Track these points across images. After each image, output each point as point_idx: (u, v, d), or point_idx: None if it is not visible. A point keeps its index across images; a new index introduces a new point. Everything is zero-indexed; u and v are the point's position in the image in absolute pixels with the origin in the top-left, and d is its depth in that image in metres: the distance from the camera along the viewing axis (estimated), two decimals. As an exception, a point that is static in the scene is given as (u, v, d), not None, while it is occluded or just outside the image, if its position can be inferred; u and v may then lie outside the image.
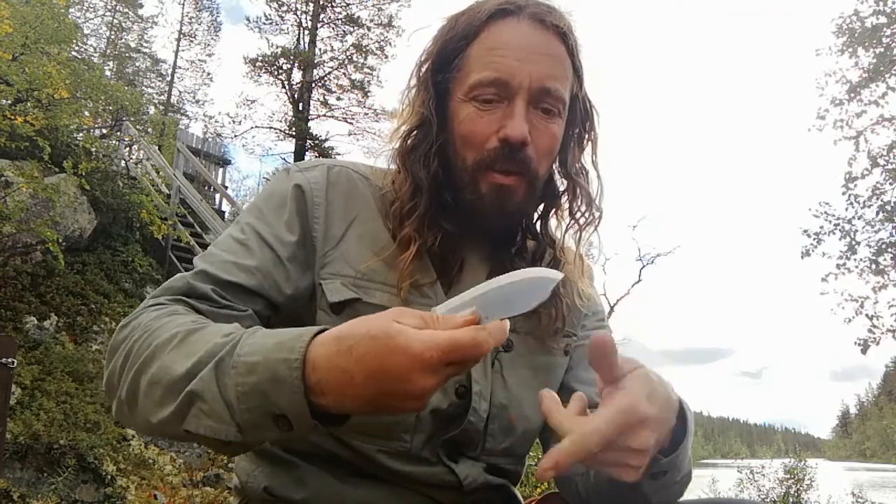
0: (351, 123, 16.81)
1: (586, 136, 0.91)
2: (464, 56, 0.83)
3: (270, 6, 16.76)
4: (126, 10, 21.97)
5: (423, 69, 0.88)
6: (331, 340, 0.58)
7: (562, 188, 0.91)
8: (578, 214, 0.90)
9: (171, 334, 0.66)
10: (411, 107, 0.88)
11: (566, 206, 0.90)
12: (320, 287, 0.83)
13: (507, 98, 0.80)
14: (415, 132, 0.87)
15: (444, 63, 0.85)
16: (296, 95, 16.24)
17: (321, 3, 16.49)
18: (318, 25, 16.54)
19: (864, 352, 14.36)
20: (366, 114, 16.76)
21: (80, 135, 8.20)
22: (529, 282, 0.60)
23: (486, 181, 0.82)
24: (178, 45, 21.64)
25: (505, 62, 0.80)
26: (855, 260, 14.57)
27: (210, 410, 0.61)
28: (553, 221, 0.92)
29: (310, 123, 16.23)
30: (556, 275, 0.61)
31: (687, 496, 0.81)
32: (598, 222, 0.90)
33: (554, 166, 0.90)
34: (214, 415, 0.61)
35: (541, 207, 0.92)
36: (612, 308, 15.39)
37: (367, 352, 0.55)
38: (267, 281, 0.81)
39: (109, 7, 21.64)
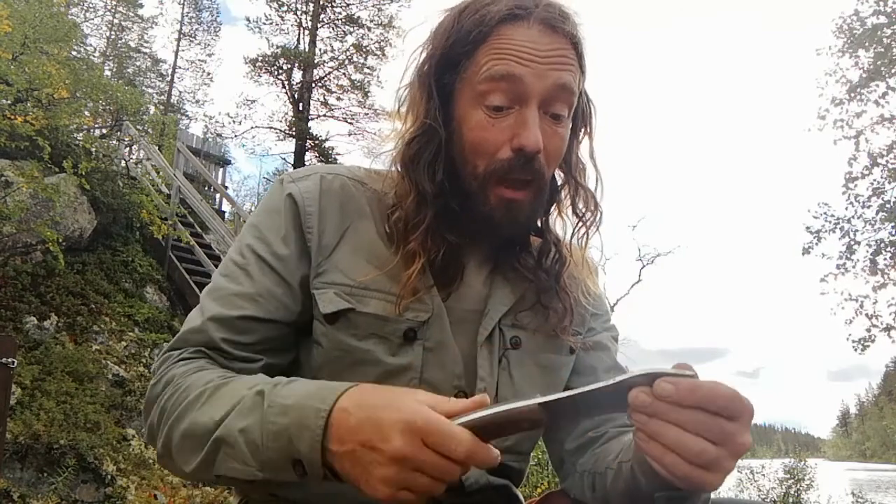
0: (351, 123, 16.82)
1: (583, 129, 0.90)
2: (471, 60, 0.81)
3: (270, 6, 16.78)
4: (126, 10, 21.97)
5: (425, 70, 0.85)
6: (358, 388, 0.64)
7: (560, 182, 0.90)
8: (580, 211, 0.89)
9: (199, 391, 0.72)
10: (414, 111, 0.85)
11: (568, 202, 0.90)
12: (314, 297, 0.82)
13: (519, 105, 0.79)
14: (418, 138, 0.84)
15: (449, 65, 0.83)
16: (296, 95, 16.24)
17: (321, 3, 16.49)
18: (318, 25, 16.54)
19: (861, 351, 14.37)
20: (366, 114, 16.78)
21: (80, 135, 8.19)
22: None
23: (496, 194, 0.80)
24: (178, 45, 21.68)
25: (517, 69, 0.78)
26: (853, 260, 14.59)
27: (234, 454, 0.66)
28: (555, 217, 0.91)
29: (310, 123, 16.23)
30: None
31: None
32: (600, 220, 0.90)
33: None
34: (238, 457, 0.66)
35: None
36: (612, 308, 15.37)
37: (373, 400, 0.62)
38: (272, 304, 0.82)
39: (109, 7, 21.64)
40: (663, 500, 0.69)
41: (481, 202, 0.81)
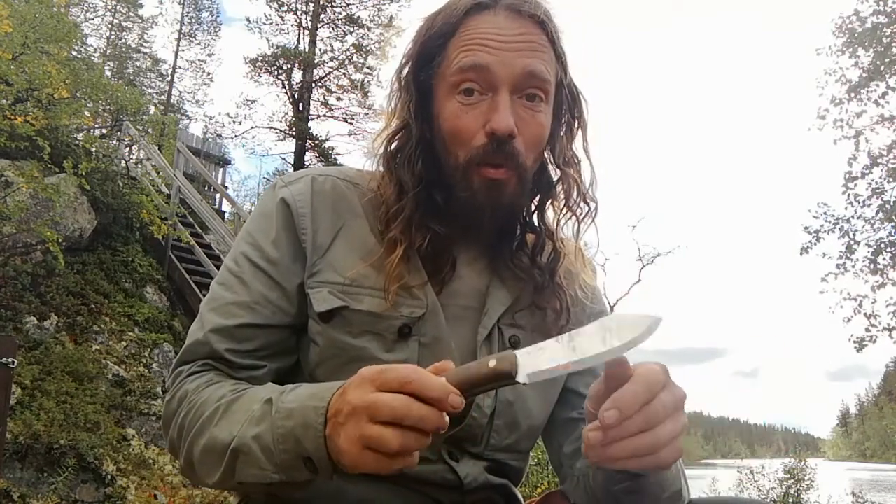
0: (351, 123, 16.81)
1: (575, 123, 0.90)
2: (444, 55, 0.84)
3: (270, 6, 16.77)
4: (126, 10, 21.97)
5: (404, 71, 0.88)
6: (346, 382, 0.64)
7: (555, 178, 0.91)
8: (574, 204, 0.89)
9: (214, 408, 0.75)
10: (394, 110, 0.88)
11: (561, 196, 0.90)
12: (308, 297, 0.84)
13: (491, 91, 0.80)
14: (398, 135, 0.87)
15: (425, 63, 0.85)
16: (296, 95, 16.23)
17: (321, 3, 16.49)
18: (318, 25, 16.54)
19: (859, 350, 14.37)
20: (366, 114, 16.76)
21: (80, 135, 8.20)
22: None
23: (478, 176, 0.81)
24: (178, 45, 21.68)
25: (484, 58, 0.80)
26: (853, 259, 14.58)
27: (250, 460, 0.69)
28: (550, 212, 0.92)
29: (310, 123, 16.23)
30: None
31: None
32: (595, 213, 0.90)
33: (546, 156, 0.90)
34: (254, 463, 0.68)
35: (537, 198, 0.92)
36: (611, 308, 15.36)
37: (348, 385, 0.63)
38: (269, 309, 0.83)
39: (109, 7, 21.65)
40: (621, 492, 0.76)
41: (465, 187, 0.83)
